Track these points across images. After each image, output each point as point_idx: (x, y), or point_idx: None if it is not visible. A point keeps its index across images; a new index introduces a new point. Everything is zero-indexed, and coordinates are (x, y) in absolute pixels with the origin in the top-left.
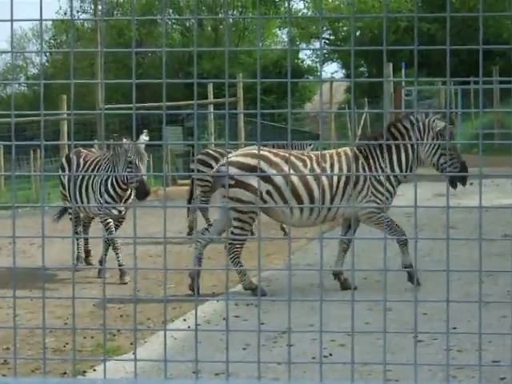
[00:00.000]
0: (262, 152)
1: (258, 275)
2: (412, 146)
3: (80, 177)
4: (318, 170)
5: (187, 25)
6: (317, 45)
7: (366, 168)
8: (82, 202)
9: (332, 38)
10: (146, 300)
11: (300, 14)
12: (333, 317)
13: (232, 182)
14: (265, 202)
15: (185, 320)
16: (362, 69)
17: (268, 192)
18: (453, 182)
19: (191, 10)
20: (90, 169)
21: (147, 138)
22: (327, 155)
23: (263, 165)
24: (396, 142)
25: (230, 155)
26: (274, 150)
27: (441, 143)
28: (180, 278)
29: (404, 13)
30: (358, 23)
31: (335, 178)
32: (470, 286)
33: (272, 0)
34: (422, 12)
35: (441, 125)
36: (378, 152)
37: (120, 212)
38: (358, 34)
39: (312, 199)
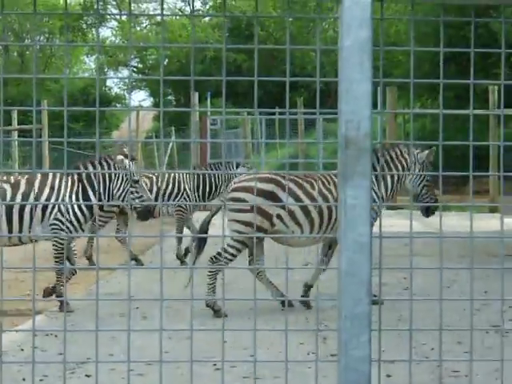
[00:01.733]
0: (273, 176)
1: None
2: (398, 175)
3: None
4: (325, 192)
5: None
6: (125, 73)
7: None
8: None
9: (140, 66)
10: None
11: (108, 41)
12: (135, 347)
13: (248, 207)
14: (273, 225)
15: None
16: (169, 97)
17: (278, 216)
18: (427, 212)
19: None
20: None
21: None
22: (328, 177)
23: (277, 189)
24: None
25: (240, 179)
26: (282, 174)
27: (426, 175)
28: None
29: (211, 43)
30: (165, 52)
31: (334, 199)
32: (279, 315)
33: (79, 27)
34: (229, 42)
35: (423, 157)
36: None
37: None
38: (165, 62)
39: (317, 221)
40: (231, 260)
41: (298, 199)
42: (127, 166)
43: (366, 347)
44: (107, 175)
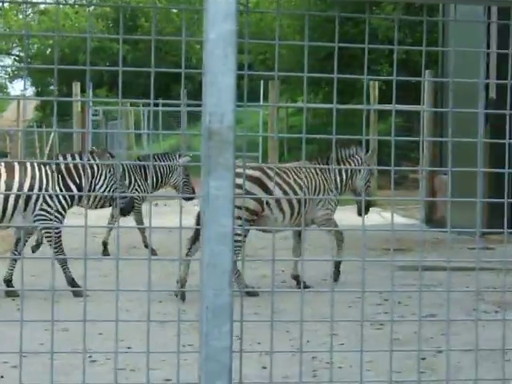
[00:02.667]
0: (259, 165)
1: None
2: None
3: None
4: (299, 181)
5: None
6: (7, 61)
7: (324, 182)
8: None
9: (22, 54)
10: None
11: None
12: (7, 338)
13: (242, 192)
14: (263, 211)
15: None
16: (52, 87)
17: (267, 203)
18: (366, 211)
19: None
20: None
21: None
22: (296, 169)
23: (263, 177)
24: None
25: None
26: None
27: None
28: None
29: (95, 33)
30: (49, 41)
31: (304, 189)
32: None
33: None
34: (112, 33)
35: (366, 159)
36: (327, 172)
37: None
38: (48, 51)
39: (296, 208)
40: (239, 246)
41: (281, 188)
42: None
43: (227, 338)
44: (90, 172)
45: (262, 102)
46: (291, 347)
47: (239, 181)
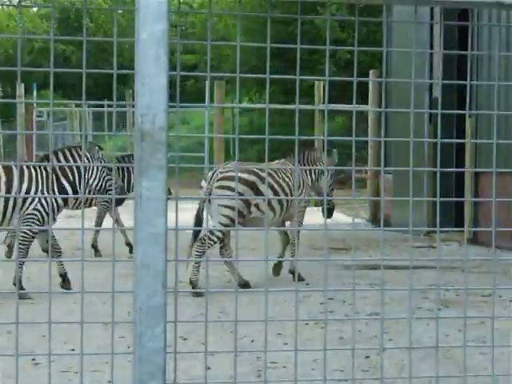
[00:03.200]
0: (253, 168)
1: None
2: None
3: None
4: (286, 180)
5: None
6: None
7: (302, 182)
8: None
9: None
10: None
11: None
12: None
13: (234, 194)
14: (250, 213)
15: None
16: None
17: (256, 205)
18: (330, 213)
19: None
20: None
21: None
22: (283, 169)
23: (258, 181)
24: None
25: (220, 170)
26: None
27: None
28: None
29: (39, 34)
30: None
31: (291, 187)
32: (91, 307)
33: None
34: (57, 34)
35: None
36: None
37: None
38: None
39: (285, 204)
40: (216, 242)
41: (272, 188)
42: (100, 156)
43: (160, 339)
44: (82, 167)
45: (207, 103)
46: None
47: (232, 184)
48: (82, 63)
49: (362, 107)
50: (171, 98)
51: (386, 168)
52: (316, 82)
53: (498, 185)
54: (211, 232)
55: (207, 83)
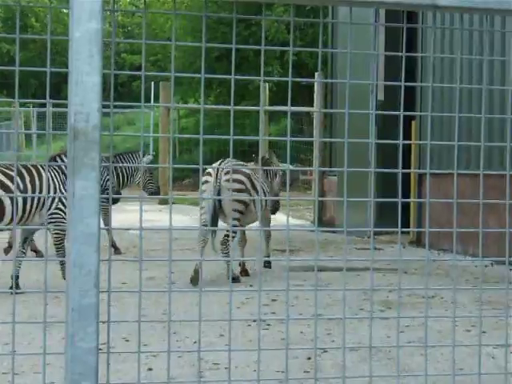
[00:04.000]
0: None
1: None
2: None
3: None
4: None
5: None
6: None
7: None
8: None
9: None
10: None
11: None
12: None
13: (243, 187)
14: (247, 206)
15: None
16: None
17: (253, 200)
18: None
19: None
20: None
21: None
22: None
23: (252, 176)
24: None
25: (232, 164)
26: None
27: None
28: None
29: None
30: None
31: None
32: (35, 308)
33: None
34: (1, 32)
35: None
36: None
37: None
38: None
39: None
40: (234, 236)
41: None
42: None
43: (92, 339)
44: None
45: (152, 103)
46: (178, 348)
47: (238, 176)
48: (26, 63)
49: (301, 108)
50: (119, 97)
51: (323, 169)
52: (261, 84)
53: (439, 187)
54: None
55: (142, 83)
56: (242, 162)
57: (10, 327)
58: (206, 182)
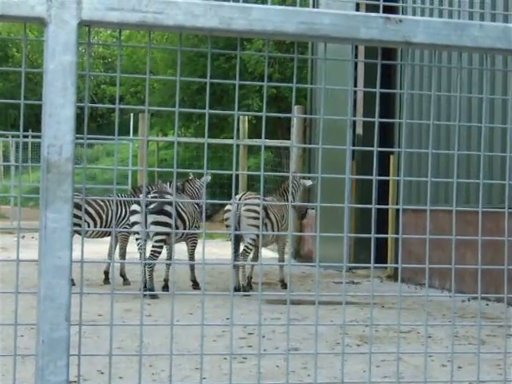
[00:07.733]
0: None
1: None
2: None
3: None
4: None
5: None
6: None
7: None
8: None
9: None
10: None
11: None
12: None
13: (258, 216)
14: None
15: None
16: None
17: (266, 224)
18: None
19: None
20: None
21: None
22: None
23: (268, 207)
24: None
25: (250, 196)
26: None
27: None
28: None
29: None
30: None
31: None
32: (11, 340)
33: None
34: None
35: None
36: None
37: None
38: None
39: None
40: (251, 250)
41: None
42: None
43: (63, 372)
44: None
45: (131, 135)
46: (153, 381)
47: (256, 208)
48: (7, 93)
49: (275, 142)
50: (98, 128)
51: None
52: (241, 117)
53: (417, 221)
54: (247, 246)
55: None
56: (259, 196)
57: None
58: (227, 211)
